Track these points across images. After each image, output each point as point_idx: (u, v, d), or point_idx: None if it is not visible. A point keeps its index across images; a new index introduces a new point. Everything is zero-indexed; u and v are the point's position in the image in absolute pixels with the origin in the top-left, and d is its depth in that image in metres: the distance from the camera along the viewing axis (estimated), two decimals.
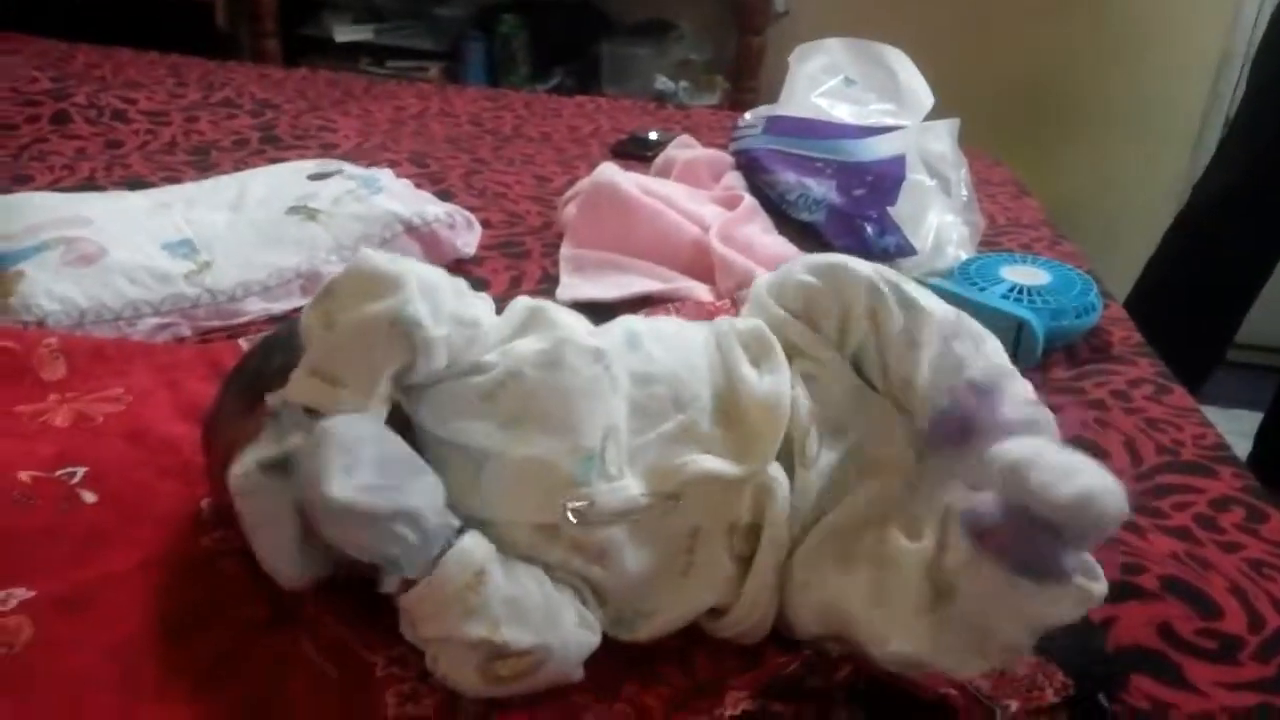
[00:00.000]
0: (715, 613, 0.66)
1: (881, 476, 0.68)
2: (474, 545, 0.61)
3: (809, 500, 0.66)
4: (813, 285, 0.72)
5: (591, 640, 0.63)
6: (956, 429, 0.64)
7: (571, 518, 0.63)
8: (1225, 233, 1.70)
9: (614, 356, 0.68)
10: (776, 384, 0.68)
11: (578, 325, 0.72)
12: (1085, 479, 0.54)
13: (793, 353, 0.71)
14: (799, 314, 0.72)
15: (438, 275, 0.68)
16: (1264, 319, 1.91)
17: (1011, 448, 0.57)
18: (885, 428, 0.69)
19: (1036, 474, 0.55)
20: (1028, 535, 0.56)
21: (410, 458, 0.61)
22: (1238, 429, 1.93)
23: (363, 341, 0.63)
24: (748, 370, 0.69)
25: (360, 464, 0.57)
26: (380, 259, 0.66)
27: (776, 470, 0.66)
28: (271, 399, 0.63)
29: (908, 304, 0.70)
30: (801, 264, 0.74)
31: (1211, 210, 1.73)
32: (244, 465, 0.62)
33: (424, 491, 0.60)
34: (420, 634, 0.61)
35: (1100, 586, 0.58)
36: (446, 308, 0.65)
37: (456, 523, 0.61)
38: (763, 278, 0.77)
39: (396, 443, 0.60)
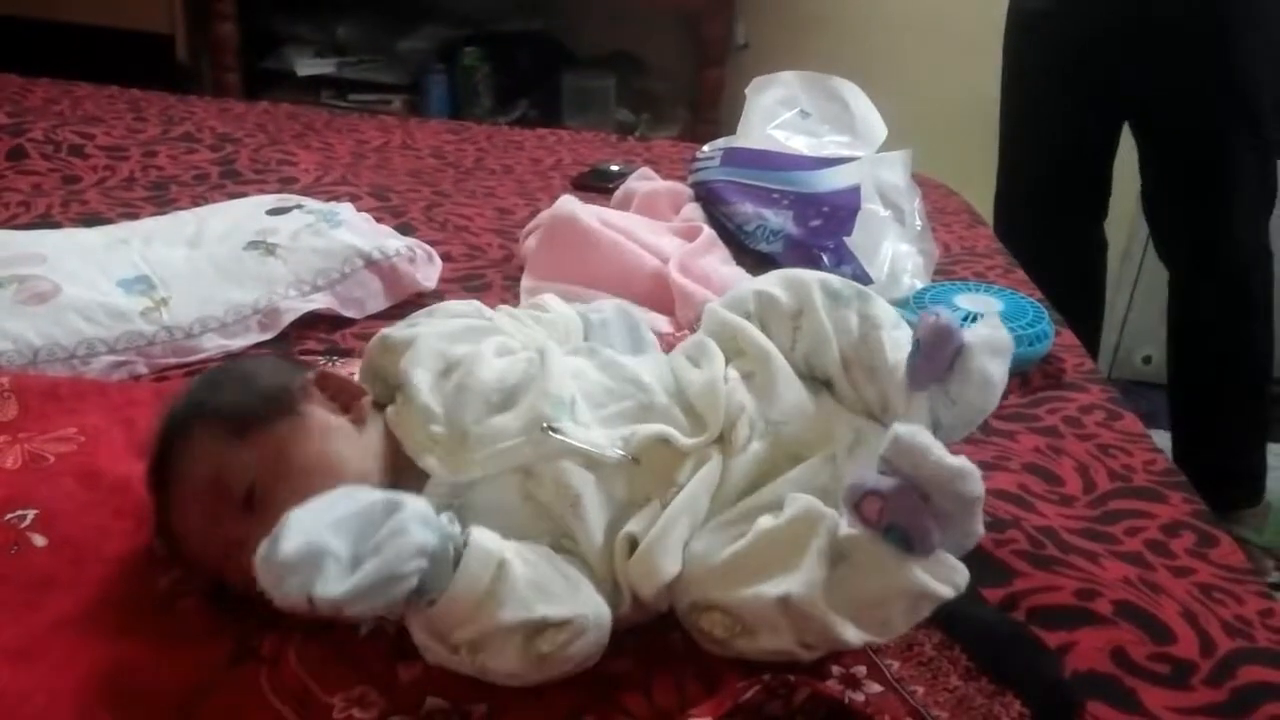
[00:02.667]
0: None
1: (811, 467, 0.72)
2: (486, 538, 0.62)
3: (733, 484, 0.71)
4: (768, 291, 0.80)
5: (608, 611, 0.64)
6: (938, 351, 0.71)
7: (544, 426, 0.68)
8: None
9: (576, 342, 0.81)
10: (711, 373, 0.75)
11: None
12: (966, 462, 0.61)
13: (733, 355, 0.77)
14: (752, 316, 0.79)
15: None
16: None
17: (905, 428, 0.62)
18: (821, 422, 0.75)
19: (934, 449, 0.61)
20: (904, 505, 0.61)
21: (373, 502, 0.61)
22: None
23: None
24: (688, 367, 0.77)
25: (331, 543, 0.57)
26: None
27: (714, 449, 0.71)
28: None
29: (862, 295, 0.79)
30: (758, 279, 0.83)
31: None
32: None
33: (408, 523, 0.59)
34: (455, 640, 0.61)
35: (962, 572, 0.63)
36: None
37: (457, 528, 0.62)
38: (716, 299, 0.84)
39: (349, 496, 0.61)
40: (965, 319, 1.10)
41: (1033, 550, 0.80)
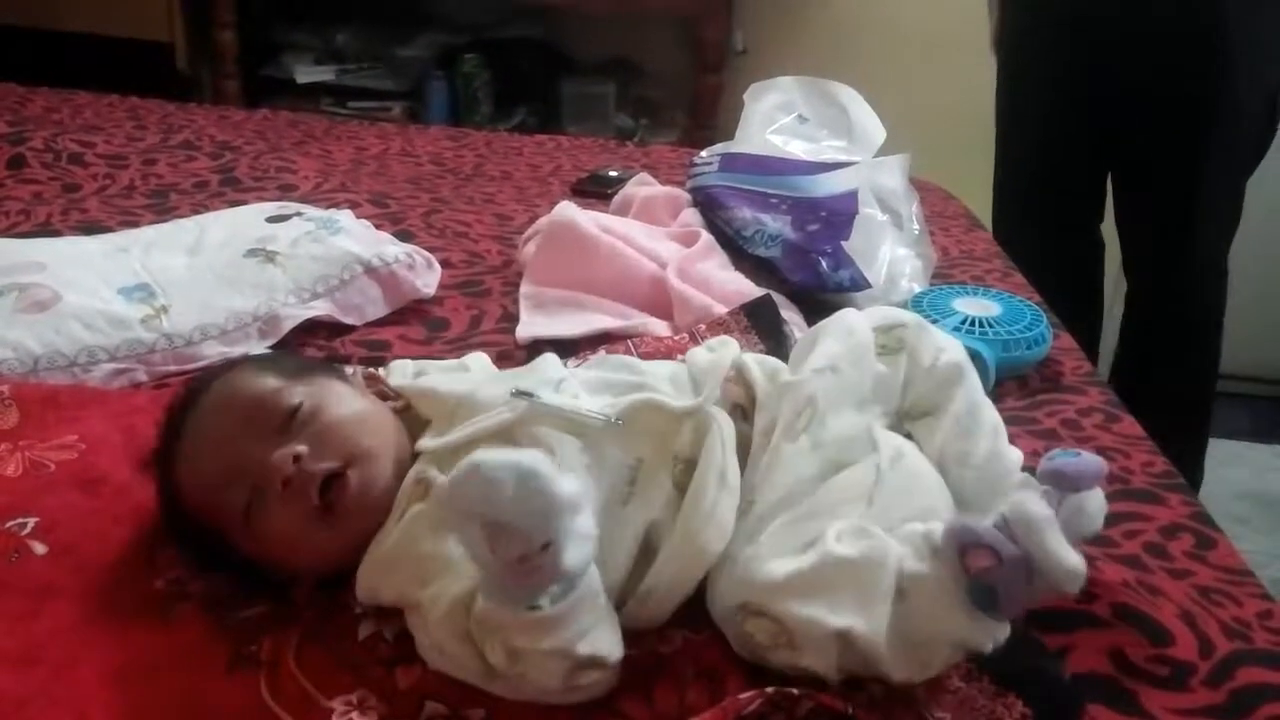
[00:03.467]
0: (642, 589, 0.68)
1: (859, 472, 0.71)
2: (591, 567, 0.62)
3: (788, 473, 0.70)
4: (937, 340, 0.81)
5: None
6: (1083, 474, 0.69)
7: (512, 391, 0.71)
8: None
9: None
10: (720, 354, 0.79)
11: None
12: (1080, 564, 0.62)
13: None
14: (907, 333, 0.80)
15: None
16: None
17: (1037, 504, 0.63)
18: (866, 432, 0.74)
19: (1054, 537, 0.62)
20: (1015, 574, 0.61)
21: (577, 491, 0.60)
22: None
23: None
24: (701, 353, 0.81)
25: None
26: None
27: (718, 412, 0.73)
28: None
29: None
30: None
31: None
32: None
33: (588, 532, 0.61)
34: (516, 645, 0.61)
35: (1004, 630, 0.65)
36: None
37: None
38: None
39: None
40: (964, 323, 1.10)
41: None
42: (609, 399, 0.74)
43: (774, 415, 0.74)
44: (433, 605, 0.65)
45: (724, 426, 0.71)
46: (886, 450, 0.72)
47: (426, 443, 0.73)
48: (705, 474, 0.69)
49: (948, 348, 0.80)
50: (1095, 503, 0.71)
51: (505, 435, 0.71)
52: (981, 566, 0.62)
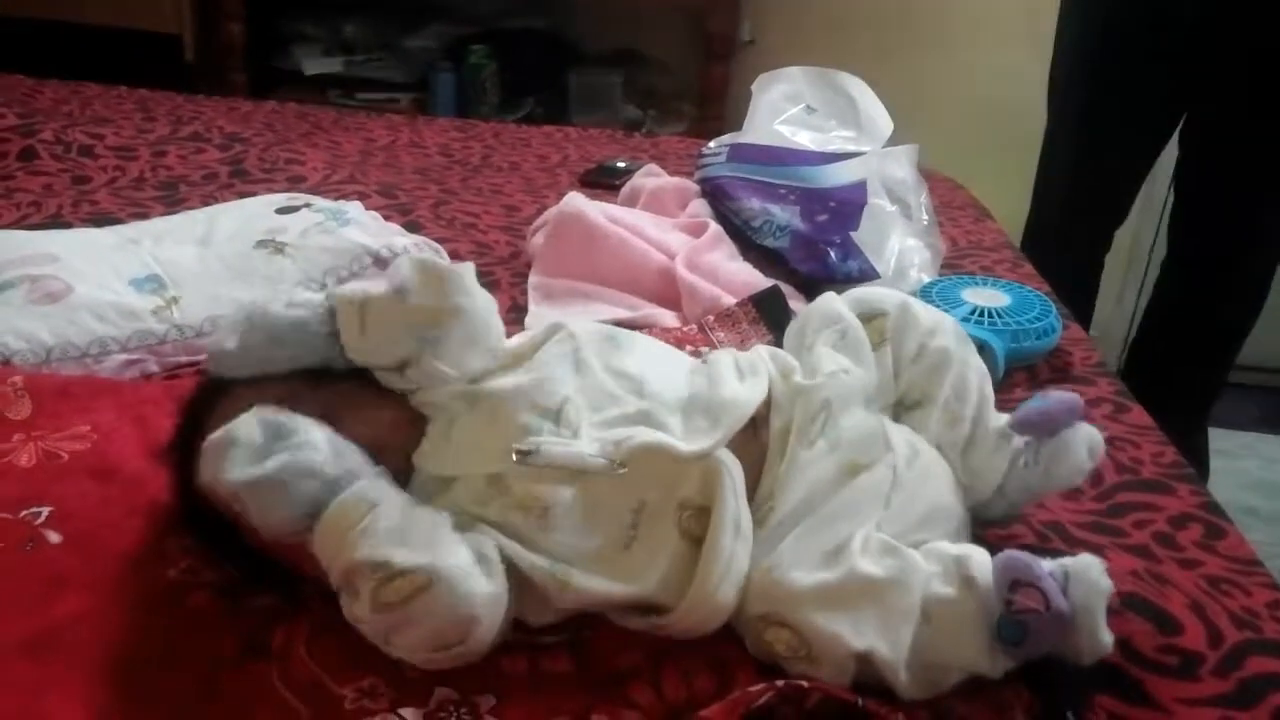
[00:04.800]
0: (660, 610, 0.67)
1: (875, 475, 0.71)
2: (371, 486, 0.65)
3: (805, 480, 0.69)
4: (911, 305, 0.80)
5: (487, 587, 0.63)
6: (1060, 411, 0.73)
7: (514, 457, 0.67)
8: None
9: (585, 341, 0.75)
10: (751, 388, 0.73)
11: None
12: (1110, 639, 0.64)
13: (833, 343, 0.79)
14: (888, 318, 0.79)
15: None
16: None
17: (1095, 566, 0.64)
18: (880, 434, 0.73)
19: (1104, 606, 0.63)
20: (1055, 625, 0.62)
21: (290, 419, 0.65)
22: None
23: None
24: (731, 377, 0.75)
25: (247, 434, 0.63)
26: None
27: (727, 455, 0.69)
28: None
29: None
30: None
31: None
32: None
33: (321, 446, 0.64)
34: (334, 581, 0.64)
35: (1010, 663, 0.65)
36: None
37: (371, 470, 0.65)
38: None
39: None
40: (973, 313, 1.10)
41: (1039, 544, 0.80)
42: (614, 412, 0.71)
43: (789, 418, 0.73)
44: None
45: (735, 472, 0.69)
46: (902, 450, 0.72)
47: (424, 461, 0.71)
48: (720, 527, 0.67)
49: (936, 330, 0.79)
50: (1081, 437, 0.73)
51: (496, 482, 0.68)
52: (1028, 606, 0.62)
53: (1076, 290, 1.61)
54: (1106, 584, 0.63)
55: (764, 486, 0.71)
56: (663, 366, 0.78)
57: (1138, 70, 1.62)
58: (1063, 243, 1.78)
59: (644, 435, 0.69)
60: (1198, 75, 1.61)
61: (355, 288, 0.73)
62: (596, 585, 0.66)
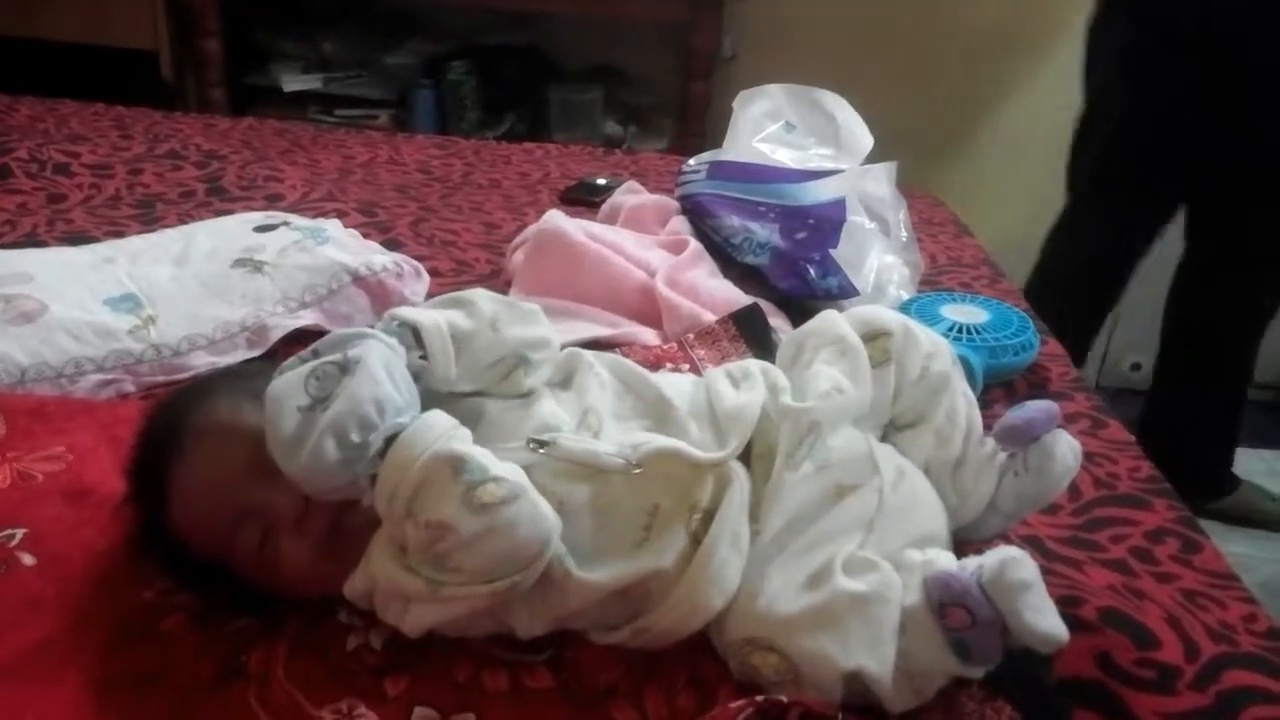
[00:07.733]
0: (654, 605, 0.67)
1: (862, 497, 0.71)
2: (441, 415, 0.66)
3: (789, 501, 0.70)
4: (913, 327, 0.80)
5: (555, 520, 0.64)
6: (1039, 419, 0.75)
7: (531, 445, 0.68)
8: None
9: (600, 359, 0.78)
10: (749, 398, 0.74)
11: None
12: (1055, 624, 0.63)
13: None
14: (893, 339, 0.79)
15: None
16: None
17: (1009, 563, 0.63)
18: (867, 455, 0.73)
19: (1030, 598, 0.62)
20: (989, 634, 0.63)
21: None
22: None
23: None
24: (725, 388, 0.76)
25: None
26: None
27: (738, 467, 0.70)
28: None
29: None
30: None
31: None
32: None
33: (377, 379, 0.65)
34: (401, 496, 0.62)
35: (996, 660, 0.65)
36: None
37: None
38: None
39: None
40: (951, 329, 1.11)
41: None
42: (634, 424, 0.73)
43: (773, 440, 0.72)
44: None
45: (743, 484, 0.69)
46: (888, 473, 0.73)
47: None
48: (720, 534, 0.67)
49: (936, 353, 0.80)
50: (1063, 443, 0.74)
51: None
52: (953, 626, 0.63)
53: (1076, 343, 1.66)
54: (1024, 574, 0.62)
55: (749, 507, 0.71)
56: (673, 378, 0.80)
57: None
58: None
59: (662, 440, 0.70)
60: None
61: None
62: (602, 575, 0.66)
